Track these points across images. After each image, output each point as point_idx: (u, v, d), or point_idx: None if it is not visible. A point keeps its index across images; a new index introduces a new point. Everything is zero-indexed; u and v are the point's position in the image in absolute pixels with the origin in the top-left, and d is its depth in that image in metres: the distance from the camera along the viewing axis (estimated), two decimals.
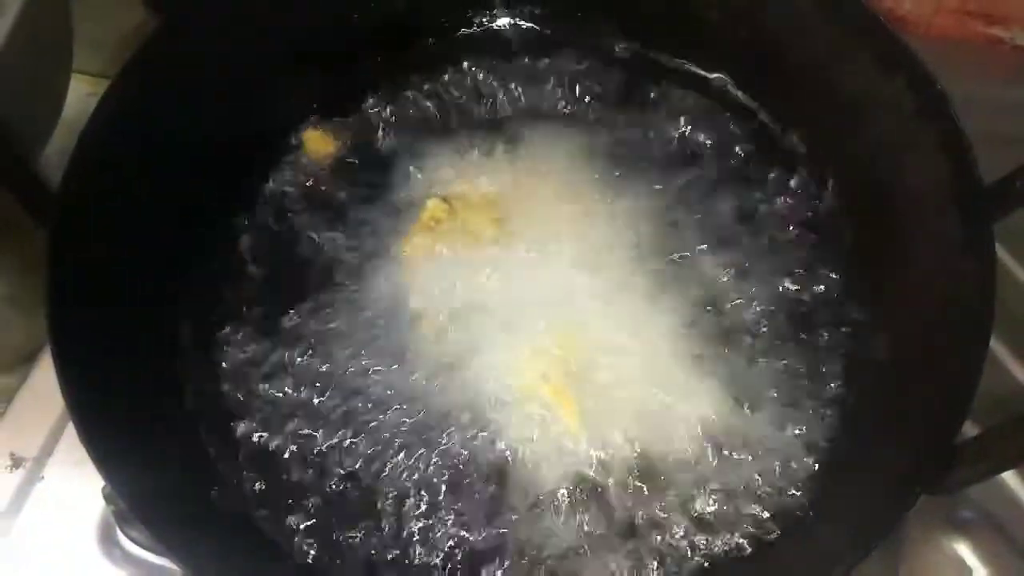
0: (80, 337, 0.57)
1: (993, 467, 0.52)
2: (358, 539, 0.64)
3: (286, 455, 0.67)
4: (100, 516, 0.72)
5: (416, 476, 0.66)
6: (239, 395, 0.69)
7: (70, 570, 0.71)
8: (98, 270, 0.62)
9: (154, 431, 0.63)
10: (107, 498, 0.64)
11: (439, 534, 0.64)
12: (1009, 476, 0.73)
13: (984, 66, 0.97)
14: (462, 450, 0.66)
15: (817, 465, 0.66)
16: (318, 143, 0.79)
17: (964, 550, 0.71)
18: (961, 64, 0.93)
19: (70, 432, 0.74)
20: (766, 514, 0.64)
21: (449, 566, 0.63)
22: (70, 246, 0.59)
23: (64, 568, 0.71)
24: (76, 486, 0.73)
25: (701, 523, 0.64)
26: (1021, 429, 0.48)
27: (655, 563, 0.63)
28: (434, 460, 0.66)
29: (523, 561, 0.63)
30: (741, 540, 0.64)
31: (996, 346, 0.77)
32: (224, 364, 0.71)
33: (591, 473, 0.65)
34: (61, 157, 0.62)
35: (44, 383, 0.77)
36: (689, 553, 0.63)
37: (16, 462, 0.75)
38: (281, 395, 0.69)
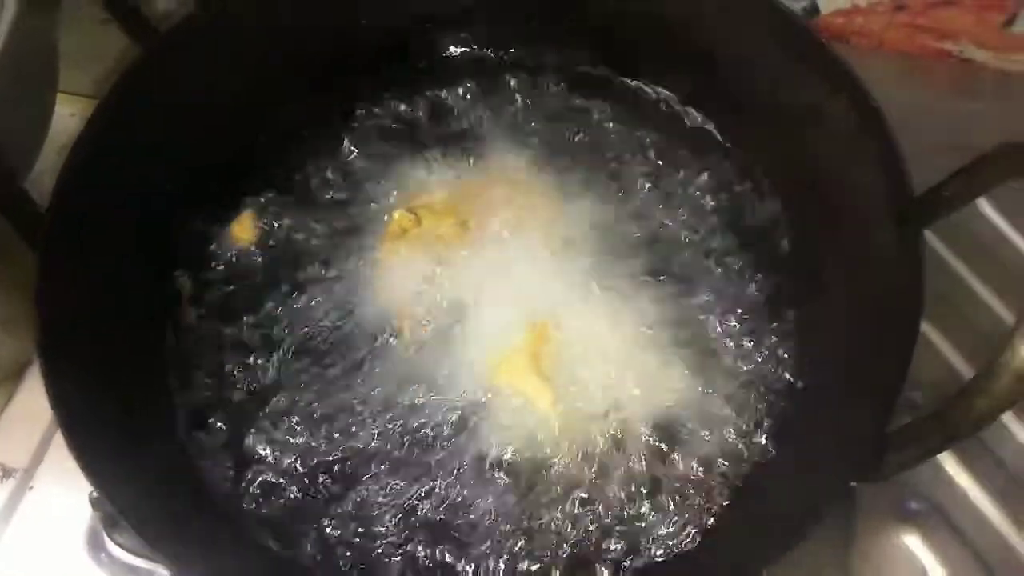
0: (68, 351, 0.59)
1: (922, 453, 0.53)
2: (339, 533, 0.67)
3: (267, 455, 0.69)
4: (88, 523, 0.74)
5: (394, 470, 0.69)
6: (220, 399, 0.72)
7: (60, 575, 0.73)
8: (86, 283, 0.64)
9: (139, 437, 0.65)
10: (94, 504, 0.66)
11: (418, 526, 0.67)
12: (954, 469, 0.75)
13: (933, 78, 0.99)
14: (442, 442, 0.69)
15: (757, 457, 0.68)
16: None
17: (913, 541, 0.73)
18: (911, 76, 0.98)
19: (57, 444, 0.78)
20: (706, 503, 0.67)
21: (438, 557, 0.66)
22: (59, 262, 0.61)
23: (54, 573, 0.73)
24: (64, 495, 0.75)
25: (655, 508, 0.67)
26: (946, 417, 0.50)
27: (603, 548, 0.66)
28: (414, 453, 0.69)
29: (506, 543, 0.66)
30: (685, 529, 0.66)
31: (934, 335, 0.80)
32: (206, 369, 0.73)
33: (566, 456, 0.68)
34: (41, 177, 0.63)
35: (33, 397, 0.79)
36: (631, 542, 0.66)
37: (6, 473, 0.76)
38: (263, 400, 0.71)
